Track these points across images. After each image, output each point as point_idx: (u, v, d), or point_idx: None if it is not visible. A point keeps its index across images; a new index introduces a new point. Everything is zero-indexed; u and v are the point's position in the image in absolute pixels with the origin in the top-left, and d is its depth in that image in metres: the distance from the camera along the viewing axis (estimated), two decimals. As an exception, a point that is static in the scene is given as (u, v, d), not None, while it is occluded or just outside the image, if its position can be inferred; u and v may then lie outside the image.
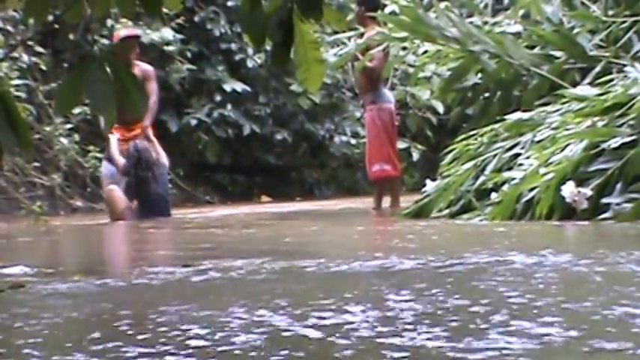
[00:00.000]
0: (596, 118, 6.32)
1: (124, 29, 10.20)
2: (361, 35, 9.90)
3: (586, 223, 5.71)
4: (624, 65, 7.70)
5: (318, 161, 16.28)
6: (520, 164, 6.65)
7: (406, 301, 2.57)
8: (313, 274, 3.43)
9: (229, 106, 14.64)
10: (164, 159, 9.38)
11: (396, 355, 1.88)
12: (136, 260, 5.06)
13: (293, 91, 15.00)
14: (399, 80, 14.27)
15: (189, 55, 14.48)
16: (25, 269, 3.90)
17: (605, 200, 5.86)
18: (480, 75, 8.97)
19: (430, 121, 15.16)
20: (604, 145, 6.02)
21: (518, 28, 9.37)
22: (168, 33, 13.85)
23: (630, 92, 6.27)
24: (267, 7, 2.60)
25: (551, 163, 6.24)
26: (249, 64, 14.73)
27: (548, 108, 7.33)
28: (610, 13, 8.60)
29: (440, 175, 7.54)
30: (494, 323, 2.16)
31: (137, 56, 9.47)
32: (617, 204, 5.78)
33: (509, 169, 6.76)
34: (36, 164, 12.18)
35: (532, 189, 6.21)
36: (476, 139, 7.52)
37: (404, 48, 9.36)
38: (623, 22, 8.36)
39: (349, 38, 11.39)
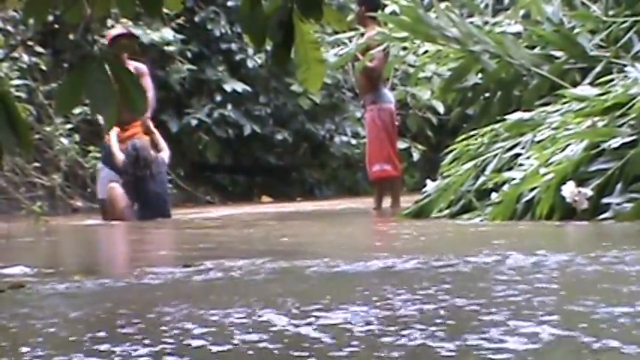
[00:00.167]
0: (596, 118, 6.32)
1: (116, 28, 10.20)
2: (361, 35, 9.90)
3: (586, 223, 5.71)
4: (624, 65, 7.70)
5: (319, 161, 16.28)
6: (520, 164, 6.65)
7: (406, 300, 2.57)
8: (313, 274, 3.43)
9: (230, 106, 14.64)
10: (165, 153, 9.38)
11: (396, 354, 1.88)
12: (135, 260, 5.06)
13: (293, 91, 15.00)
14: (400, 80, 14.27)
15: (189, 55, 14.48)
16: (25, 269, 3.90)
17: (605, 200, 5.87)
18: (480, 75, 8.97)
19: (430, 121, 15.16)
20: (604, 145, 6.02)
21: (518, 28, 9.37)
22: (168, 33, 13.86)
23: (630, 92, 6.27)
24: (267, 7, 2.60)
25: (551, 163, 6.24)
26: (250, 64, 14.73)
27: (549, 108, 7.34)
28: (610, 13, 8.60)
29: (440, 175, 7.54)
30: (494, 323, 2.16)
31: (129, 55, 9.52)
32: (618, 204, 5.78)
33: (510, 169, 6.76)
34: (36, 164, 12.18)
35: (532, 189, 6.21)
36: (476, 139, 7.52)
37: (404, 48, 9.36)
38: (624, 22, 8.36)
39: (349, 38, 11.39)
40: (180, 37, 14.15)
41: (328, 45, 12.77)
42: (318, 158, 16.23)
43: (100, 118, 9.45)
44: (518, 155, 6.87)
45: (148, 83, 9.33)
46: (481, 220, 6.42)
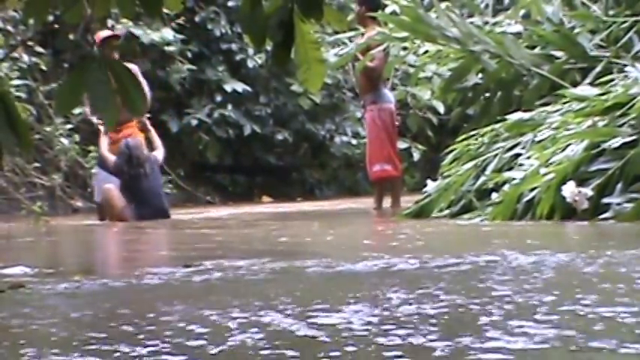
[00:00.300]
0: (596, 118, 6.32)
1: (105, 30, 10.21)
2: (361, 35, 9.90)
3: (586, 223, 5.71)
4: (625, 65, 7.70)
5: (319, 161, 16.28)
6: (521, 164, 6.65)
7: (405, 300, 2.57)
8: (313, 274, 3.43)
9: (230, 107, 14.64)
10: (159, 152, 9.38)
11: (396, 354, 1.88)
12: (135, 260, 5.06)
13: (294, 91, 15.00)
14: (400, 80, 14.28)
15: (189, 55, 14.48)
16: (25, 269, 3.90)
17: (605, 200, 5.87)
18: (480, 75, 8.97)
19: (431, 121, 15.16)
20: (605, 145, 6.02)
21: (518, 28, 9.37)
22: (168, 33, 13.86)
23: (631, 92, 6.27)
24: (267, 7, 2.60)
25: (551, 163, 6.24)
26: (250, 64, 14.73)
27: (549, 108, 7.34)
28: (610, 13, 8.60)
29: (440, 175, 7.54)
30: (492, 323, 2.16)
31: (121, 56, 9.55)
32: (618, 204, 5.78)
33: (510, 169, 6.76)
34: (36, 164, 12.19)
35: (533, 189, 6.21)
36: (476, 139, 7.52)
37: (404, 48, 9.36)
38: (624, 22, 8.36)
39: (350, 38, 11.39)
40: (180, 37, 14.15)
41: (328, 45, 12.77)
42: (319, 158, 16.23)
43: (95, 119, 9.48)
44: (518, 155, 6.87)
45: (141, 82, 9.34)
46: (481, 220, 6.42)
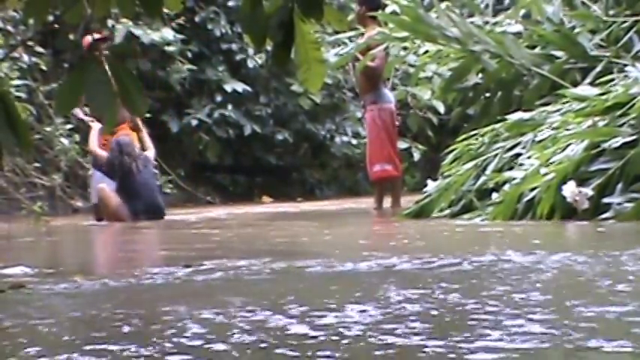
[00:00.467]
0: (596, 118, 6.31)
1: (92, 34, 10.18)
2: (362, 35, 9.90)
3: (587, 222, 5.71)
4: (625, 65, 7.70)
5: (319, 161, 16.28)
6: (521, 164, 6.65)
7: (406, 300, 2.57)
8: (314, 274, 3.43)
9: (230, 107, 14.64)
10: (150, 152, 9.39)
11: (396, 354, 1.88)
12: (136, 260, 5.06)
13: (294, 92, 15.00)
14: (400, 80, 14.27)
15: (189, 55, 14.48)
16: (25, 269, 3.90)
17: (606, 200, 5.87)
18: (480, 75, 8.97)
19: (431, 121, 15.15)
20: (605, 145, 6.02)
21: (519, 28, 9.37)
22: (168, 33, 13.85)
23: (631, 92, 6.27)
24: (267, 7, 2.59)
25: (552, 163, 6.24)
26: (250, 64, 14.73)
27: (549, 108, 7.34)
28: (611, 12, 8.60)
29: (441, 175, 7.54)
30: (490, 322, 2.16)
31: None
32: (618, 204, 5.78)
33: (510, 168, 6.76)
34: (36, 165, 12.18)
35: (533, 189, 6.21)
36: (477, 139, 7.52)
37: (405, 48, 9.36)
38: (624, 21, 8.36)
39: (350, 38, 11.39)
40: (180, 37, 14.15)
41: (328, 45, 12.76)
42: (319, 158, 16.23)
43: (86, 118, 9.48)
44: (518, 155, 6.86)
45: None
46: (482, 220, 6.42)
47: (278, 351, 1.97)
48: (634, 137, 5.94)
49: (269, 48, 2.66)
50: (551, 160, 6.28)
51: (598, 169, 5.99)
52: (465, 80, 9.06)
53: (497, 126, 7.44)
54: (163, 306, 2.67)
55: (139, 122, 9.49)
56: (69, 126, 12.40)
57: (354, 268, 3.56)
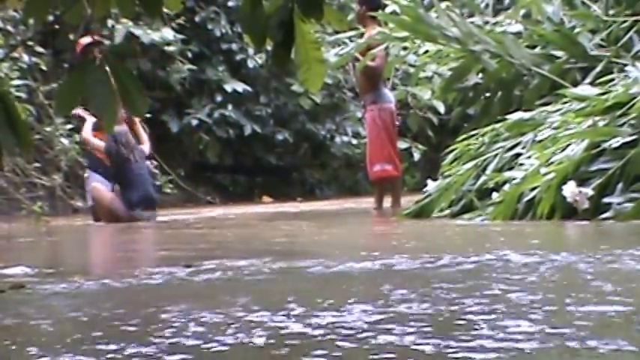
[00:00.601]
0: (597, 118, 6.31)
1: (86, 37, 10.16)
2: (362, 35, 9.90)
3: (587, 222, 5.71)
4: (625, 65, 7.70)
5: (319, 161, 16.28)
6: (521, 164, 6.65)
7: (406, 300, 2.57)
8: (313, 274, 3.42)
9: (230, 107, 14.64)
10: (145, 146, 9.39)
11: (396, 354, 1.88)
12: (136, 260, 5.06)
13: (294, 91, 15.00)
14: (400, 80, 14.27)
15: (189, 55, 14.48)
16: (25, 269, 3.90)
17: (606, 200, 5.87)
18: (480, 75, 8.97)
19: (431, 121, 15.16)
20: (605, 145, 6.02)
21: (519, 27, 9.37)
22: (168, 33, 13.86)
23: (631, 92, 6.27)
24: (267, 7, 2.59)
25: (552, 163, 6.24)
26: (250, 64, 14.73)
27: (549, 108, 7.33)
28: (611, 12, 8.60)
29: (441, 174, 7.54)
30: (488, 322, 2.16)
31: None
32: (619, 203, 5.78)
33: (511, 168, 6.76)
34: (36, 165, 12.18)
35: (533, 189, 6.21)
36: (477, 138, 7.52)
37: (405, 48, 9.36)
38: (624, 21, 8.36)
39: (350, 38, 11.39)
40: (180, 37, 14.15)
41: (328, 45, 12.76)
42: (319, 158, 16.23)
43: (80, 111, 9.47)
44: (519, 155, 6.86)
45: None
46: (482, 220, 6.42)
47: (278, 351, 1.97)
48: (634, 137, 5.94)
49: (269, 48, 2.66)
50: (551, 160, 6.28)
51: (598, 169, 5.99)
52: (465, 80, 9.06)
53: (497, 126, 7.43)
54: (163, 306, 2.67)
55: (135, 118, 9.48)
56: (69, 126, 12.40)
57: (354, 268, 3.56)
